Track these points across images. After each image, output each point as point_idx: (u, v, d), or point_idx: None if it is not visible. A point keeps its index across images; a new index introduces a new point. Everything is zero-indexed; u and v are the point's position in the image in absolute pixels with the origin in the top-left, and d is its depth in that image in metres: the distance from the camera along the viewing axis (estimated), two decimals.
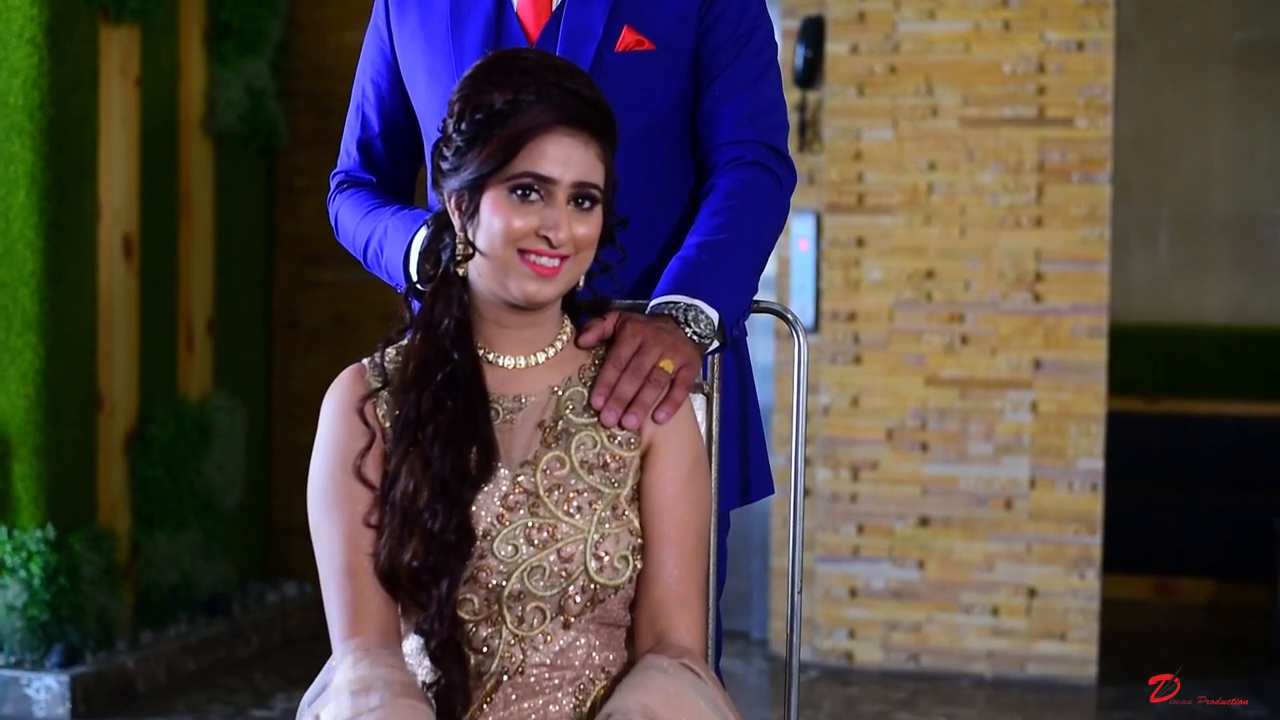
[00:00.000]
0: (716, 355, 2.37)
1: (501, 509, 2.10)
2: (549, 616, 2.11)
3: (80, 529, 5.36)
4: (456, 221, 2.15)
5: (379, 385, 2.17)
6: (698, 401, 2.36)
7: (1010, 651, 5.84)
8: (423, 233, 2.31)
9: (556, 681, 2.12)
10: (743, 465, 2.55)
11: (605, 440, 2.16)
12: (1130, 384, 7.69)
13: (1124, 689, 5.74)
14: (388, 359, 2.19)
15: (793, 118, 5.91)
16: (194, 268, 6.15)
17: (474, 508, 2.09)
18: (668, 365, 2.18)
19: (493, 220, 2.09)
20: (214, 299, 6.29)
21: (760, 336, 5.99)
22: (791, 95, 5.94)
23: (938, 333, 5.85)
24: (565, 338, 2.22)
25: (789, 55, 5.99)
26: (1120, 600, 6.95)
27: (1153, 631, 6.74)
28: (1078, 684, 5.76)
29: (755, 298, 2.46)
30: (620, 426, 2.16)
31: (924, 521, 5.87)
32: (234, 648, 5.98)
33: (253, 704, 5.43)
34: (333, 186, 2.69)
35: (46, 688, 5.14)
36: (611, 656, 2.16)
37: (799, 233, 6.06)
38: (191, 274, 6.13)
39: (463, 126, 2.11)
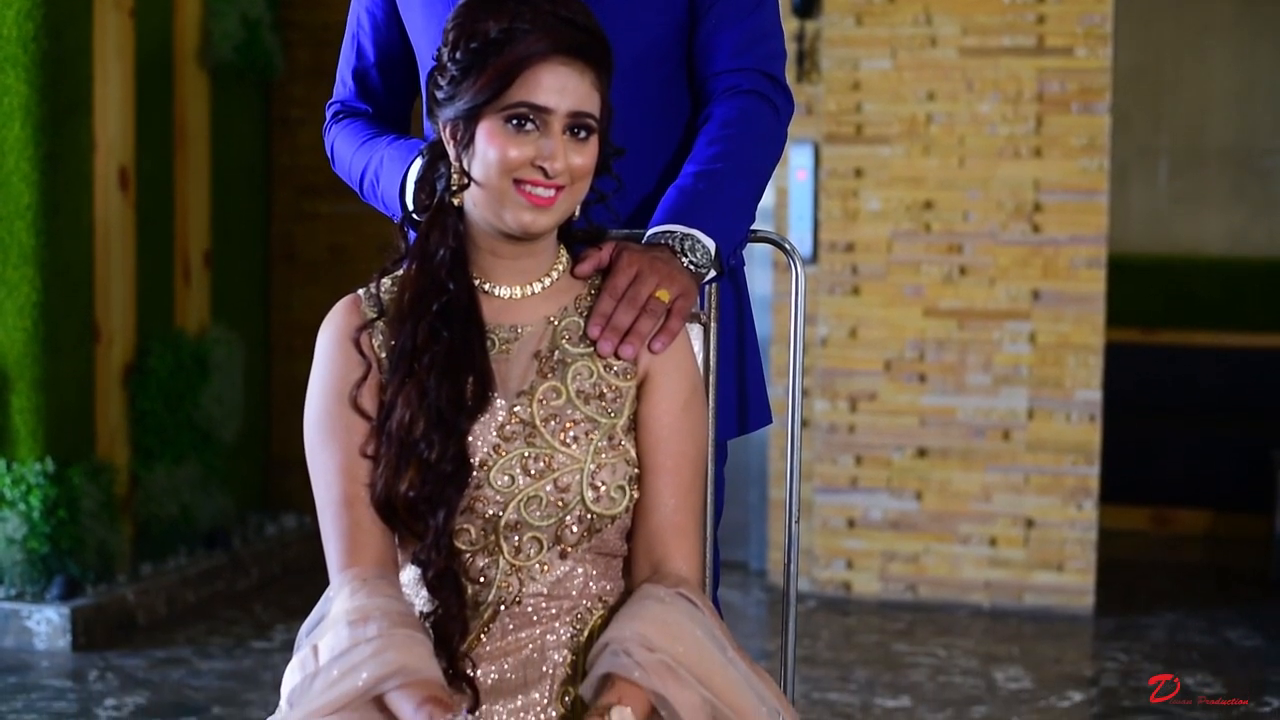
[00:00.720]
0: (714, 285, 2.36)
1: (498, 439, 2.10)
2: (546, 546, 2.11)
3: (79, 462, 5.37)
4: (452, 151, 2.13)
5: (374, 316, 2.16)
6: (695, 331, 2.35)
7: (1007, 582, 5.86)
8: (418, 163, 2.29)
9: (553, 611, 2.12)
10: (740, 395, 2.54)
11: (601, 370, 2.15)
12: (1129, 315, 7.68)
13: (1121, 619, 5.76)
14: (383, 289, 2.18)
15: (791, 47, 5.88)
16: (190, 200, 6.13)
17: (470, 438, 2.08)
18: (664, 295, 2.17)
19: (488, 150, 2.08)
20: (211, 231, 6.28)
21: (758, 267, 5.98)
22: (789, 25, 5.91)
23: (936, 263, 5.84)
24: (561, 268, 2.21)
25: None
26: (1118, 531, 6.96)
27: (1150, 562, 6.75)
28: (1075, 614, 5.78)
29: (753, 228, 2.44)
30: (616, 356, 2.16)
31: (922, 452, 5.88)
32: (233, 579, 6.00)
33: (252, 635, 5.45)
34: (329, 117, 2.68)
35: (47, 620, 5.16)
36: (608, 586, 2.16)
37: (797, 163, 6.04)
38: (188, 206, 6.11)
39: (457, 56, 2.09)
